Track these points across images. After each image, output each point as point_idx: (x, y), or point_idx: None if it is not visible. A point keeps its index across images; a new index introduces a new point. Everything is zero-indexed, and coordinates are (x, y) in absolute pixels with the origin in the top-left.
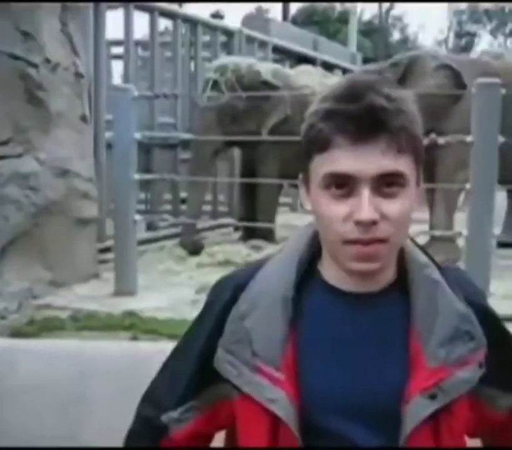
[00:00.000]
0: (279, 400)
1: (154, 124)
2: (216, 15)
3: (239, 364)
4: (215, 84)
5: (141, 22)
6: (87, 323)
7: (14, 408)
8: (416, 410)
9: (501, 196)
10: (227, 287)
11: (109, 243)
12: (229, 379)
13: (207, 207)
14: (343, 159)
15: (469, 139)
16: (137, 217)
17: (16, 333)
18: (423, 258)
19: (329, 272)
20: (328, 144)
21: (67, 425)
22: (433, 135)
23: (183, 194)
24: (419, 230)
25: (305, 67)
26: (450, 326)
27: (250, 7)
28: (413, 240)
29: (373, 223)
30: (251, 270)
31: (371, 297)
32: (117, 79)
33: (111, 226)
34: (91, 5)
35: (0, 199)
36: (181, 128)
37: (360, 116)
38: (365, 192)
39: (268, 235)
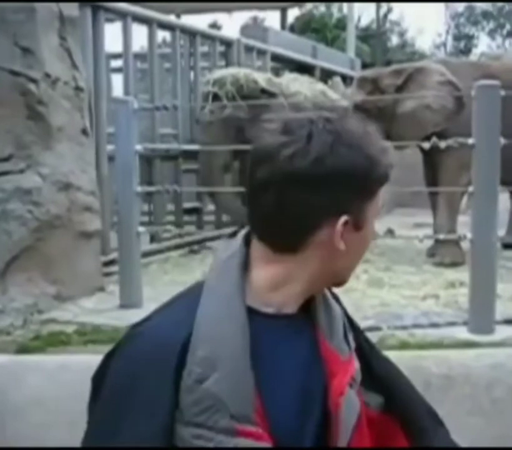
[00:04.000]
0: None
1: (155, 136)
2: (214, 26)
3: (213, 435)
4: (216, 97)
5: (139, 35)
6: (93, 337)
7: (20, 424)
8: (350, 401)
9: (504, 197)
10: (164, 351)
11: (113, 256)
12: None
13: (211, 217)
14: None
15: (470, 141)
16: (141, 229)
17: (22, 349)
18: None
19: (259, 298)
20: None
21: (74, 441)
22: (434, 139)
23: (186, 205)
24: (423, 234)
25: (292, 75)
26: (341, 323)
27: (247, 17)
28: None
29: None
30: (184, 323)
31: (294, 316)
32: (117, 91)
33: (115, 239)
34: (89, 18)
35: (3, 215)
36: (182, 139)
37: None
38: None
39: None
